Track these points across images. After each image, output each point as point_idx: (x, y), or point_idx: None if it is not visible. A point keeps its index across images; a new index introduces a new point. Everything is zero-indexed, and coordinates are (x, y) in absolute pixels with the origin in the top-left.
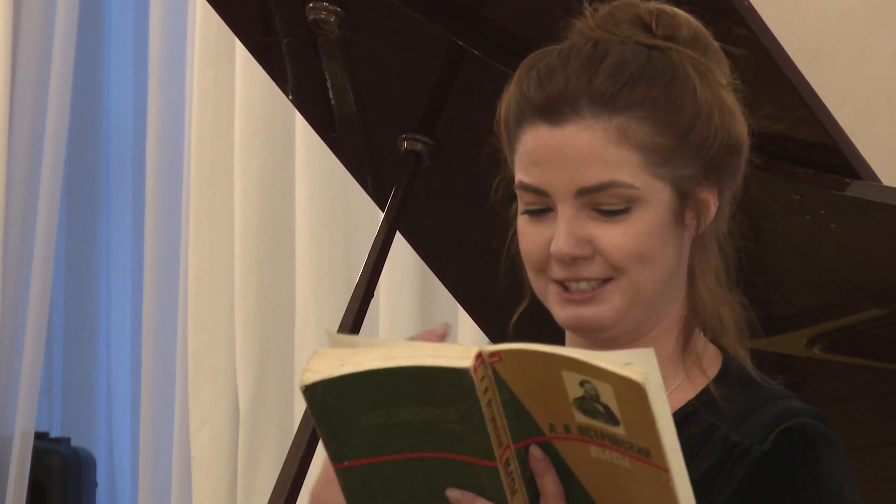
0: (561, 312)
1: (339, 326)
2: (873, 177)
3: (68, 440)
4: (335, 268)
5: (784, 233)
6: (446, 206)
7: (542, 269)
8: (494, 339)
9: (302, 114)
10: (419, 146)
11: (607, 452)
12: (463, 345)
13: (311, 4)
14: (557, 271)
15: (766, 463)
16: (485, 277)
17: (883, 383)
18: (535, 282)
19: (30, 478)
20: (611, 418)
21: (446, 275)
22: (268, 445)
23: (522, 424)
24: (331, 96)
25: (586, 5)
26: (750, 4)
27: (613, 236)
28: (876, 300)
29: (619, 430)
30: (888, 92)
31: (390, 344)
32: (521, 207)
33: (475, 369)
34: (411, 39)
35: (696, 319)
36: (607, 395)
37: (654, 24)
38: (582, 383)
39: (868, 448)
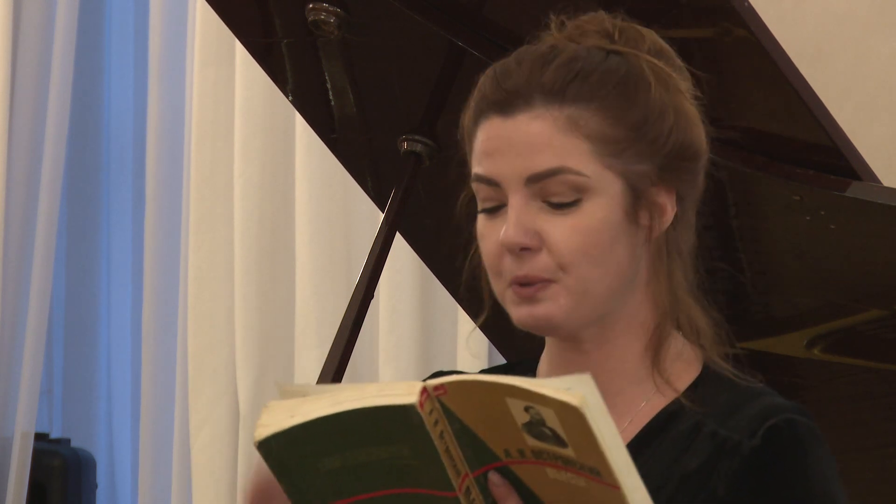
0: (515, 312)
1: (339, 327)
2: (873, 177)
3: (68, 441)
4: (335, 268)
5: (784, 233)
6: (446, 206)
7: (500, 270)
8: (494, 339)
9: (302, 114)
10: (419, 147)
11: (562, 473)
12: (407, 382)
13: (310, 5)
14: (509, 268)
15: (756, 459)
16: None
17: (883, 384)
18: (496, 286)
19: (30, 479)
20: (559, 441)
21: (446, 275)
22: None
23: (478, 452)
24: (331, 97)
25: (552, 17)
26: (750, 5)
27: (563, 230)
28: (876, 301)
29: (569, 452)
30: (888, 92)
31: (338, 389)
32: (479, 207)
33: (421, 404)
34: (411, 40)
35: (670, 324)
36: (551, 419)
37: (616, 35)
38: (527, 409)
39: (868, 449)
